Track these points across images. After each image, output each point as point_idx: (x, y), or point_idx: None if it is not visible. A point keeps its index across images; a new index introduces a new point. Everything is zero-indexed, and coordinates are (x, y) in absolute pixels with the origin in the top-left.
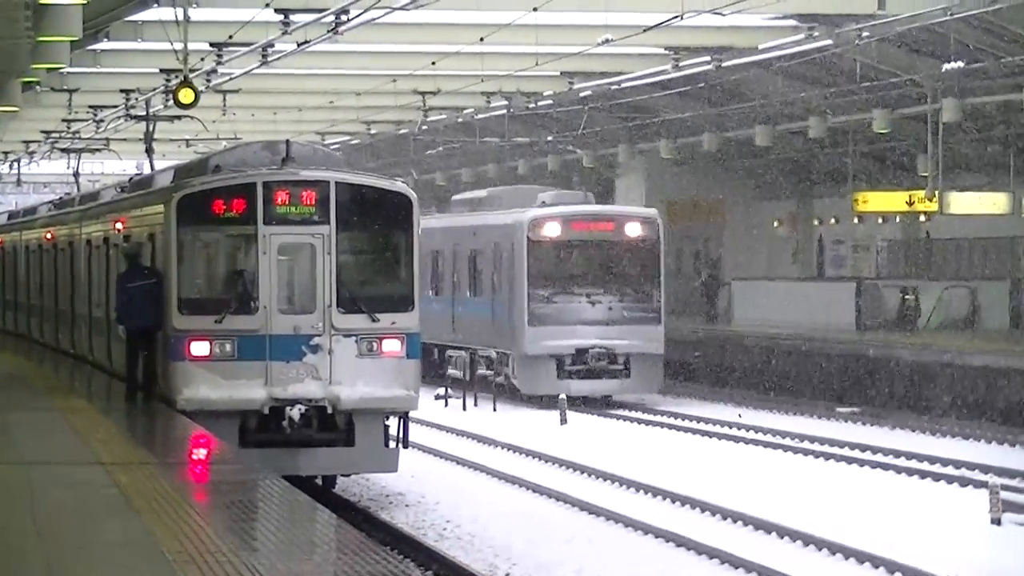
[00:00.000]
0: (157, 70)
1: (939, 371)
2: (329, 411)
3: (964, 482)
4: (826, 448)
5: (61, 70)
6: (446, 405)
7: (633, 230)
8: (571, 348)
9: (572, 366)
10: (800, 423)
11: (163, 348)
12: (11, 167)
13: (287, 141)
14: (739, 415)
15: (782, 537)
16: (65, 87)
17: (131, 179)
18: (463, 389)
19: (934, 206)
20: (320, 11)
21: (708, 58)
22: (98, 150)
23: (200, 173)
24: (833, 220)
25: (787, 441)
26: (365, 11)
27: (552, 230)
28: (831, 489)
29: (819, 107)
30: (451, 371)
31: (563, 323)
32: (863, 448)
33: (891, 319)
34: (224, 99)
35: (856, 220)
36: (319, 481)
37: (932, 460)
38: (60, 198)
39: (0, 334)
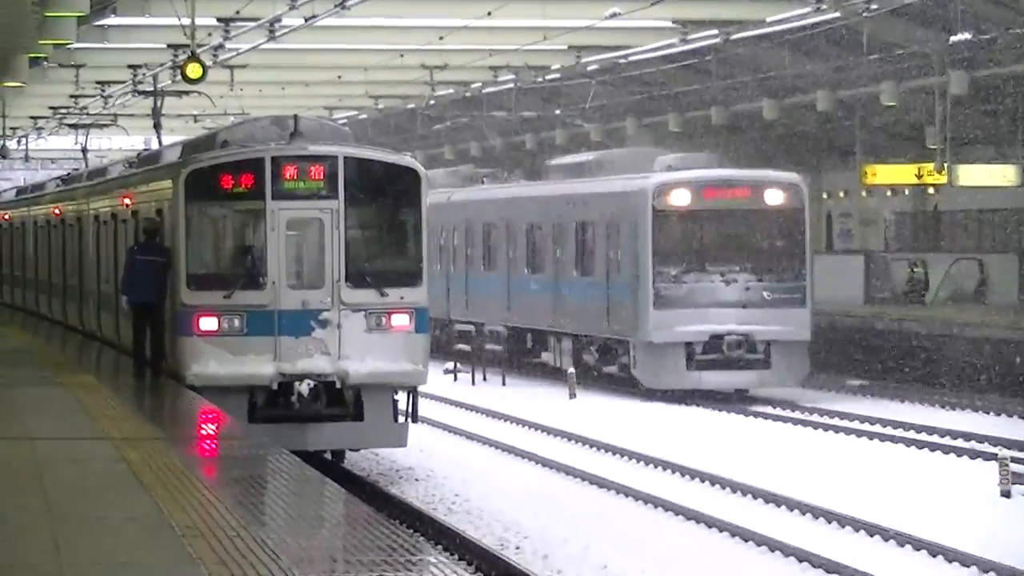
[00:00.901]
0: (164, 45)
1: (948, 344)
2: (338, 386)
3: (974, 454)
4: (835, 421)
5: (68, 46)
6: (455, 379)
7: (774, 197)
8: (703, 334)
9: (704, 355)
10: (809, 396)
11: (171, 323)
12: (19, 143)
13: (295, 116)
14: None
15: (791, 510)
16: (72, 63)
17: (139, 155)
18: (472, 363)
19: (943, 178)
20: None
21: (716, 31)
22: (106, 126)
23: (208, 148)
24: (841, 194)
25: (795, 414)
26: None
27: (681, 198)
28: (840, 462)
29: (827, 80)
30: (550, 359)
31: (694, 306)
32: (872, 421)
33: (899, 292)
34: (232, 74)
35: (864, 193)
36: (328, 456)
37: (942, 433)
38: (68, 174)
39: (8, 309)
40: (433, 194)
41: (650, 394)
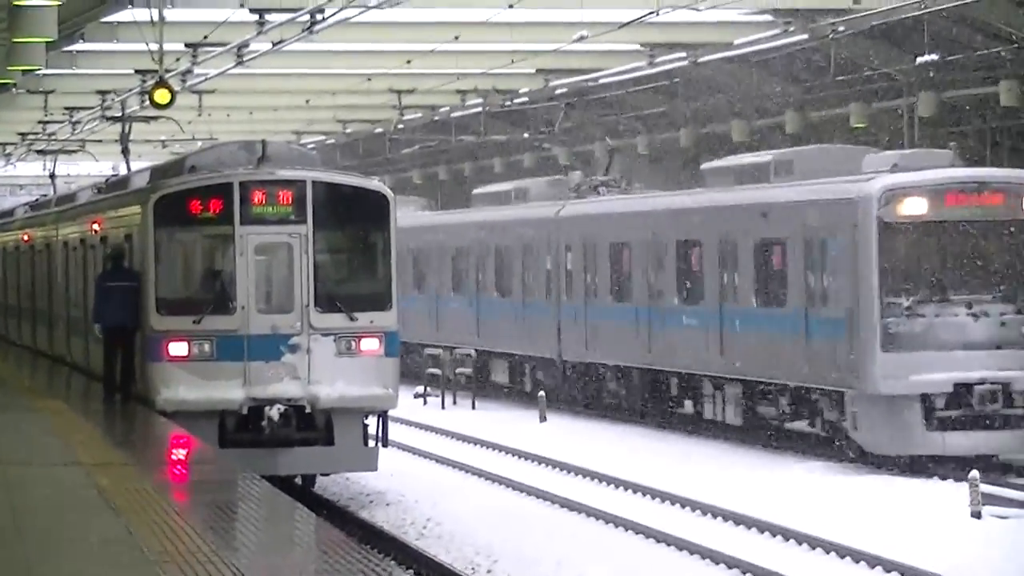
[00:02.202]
0: (133, 71)
1: None
2: (308, 410)
3: (944, 475)
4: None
5: (37, 71)
6: (425, 403)
7: None
8: (946, 383)
9: (947, 411)
10: None
11: (141, 349)
12: None
13: (263, 141)
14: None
15: (762, 532)
16: (41, 89)
17: (108, 180)
18: (442, 387)
19: None
20: (295, 10)
21: (684, 54)
22: (74, 151)
23: (177, 174)
24: None
25: (766, 436)
26: (340, 10)
27: (916, 206)
28: (811, 483)
29: (796, 102)
30: (706, 410)
31: (934, 347)
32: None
33: None
34: (200, 99)
35: None
36: (299, 481)
37: (911, 454)
38: (37, 200)
39: None
40: (532, 208)
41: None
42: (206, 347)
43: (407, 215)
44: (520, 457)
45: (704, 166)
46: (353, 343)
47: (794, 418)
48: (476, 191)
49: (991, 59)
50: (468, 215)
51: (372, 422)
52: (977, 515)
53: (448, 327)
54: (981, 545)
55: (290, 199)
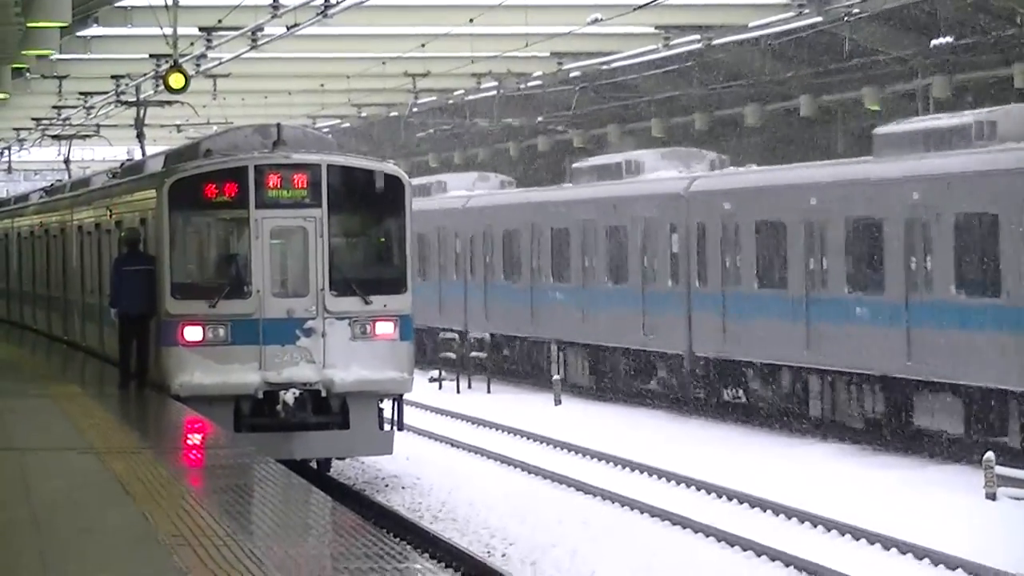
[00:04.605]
0: (147, 55)
1: None
2: (323, 394)
3: (959, 457)
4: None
5: (51, 56)
6: (440, 387)
7: None
8: None
9: None
10: None
11: (156, 333)
12: (1, 155)
13: (278, 124)
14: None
15: (777, 515)
16: (55, 73)
17: (122, 165)
18: (457, 370)
19: None
20: None
21: (698, 37)
22: (89, 136)
23: (191, 158)
24: None
25: (782, 420)
26: None
27: None
28: (826, 466)
29: (809, 85)
30: None
31: None
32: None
33: None
34: (214, 84)
35: None
36: (314, 464)
37: (927, 435)
38: (51, 185)
39: None
40: (954, 158)
41: None
42: (221, 331)
43: (657, 176)
44: (535, 440)
45: None
46: (368, 327)
47: None
48: (879, 130)
49: (1005, 42)
50: (870, 168)
51: (387, 406)
52: (992, 497)
53: (836, 343)
54: (997, 527)
55: (305, 183)
